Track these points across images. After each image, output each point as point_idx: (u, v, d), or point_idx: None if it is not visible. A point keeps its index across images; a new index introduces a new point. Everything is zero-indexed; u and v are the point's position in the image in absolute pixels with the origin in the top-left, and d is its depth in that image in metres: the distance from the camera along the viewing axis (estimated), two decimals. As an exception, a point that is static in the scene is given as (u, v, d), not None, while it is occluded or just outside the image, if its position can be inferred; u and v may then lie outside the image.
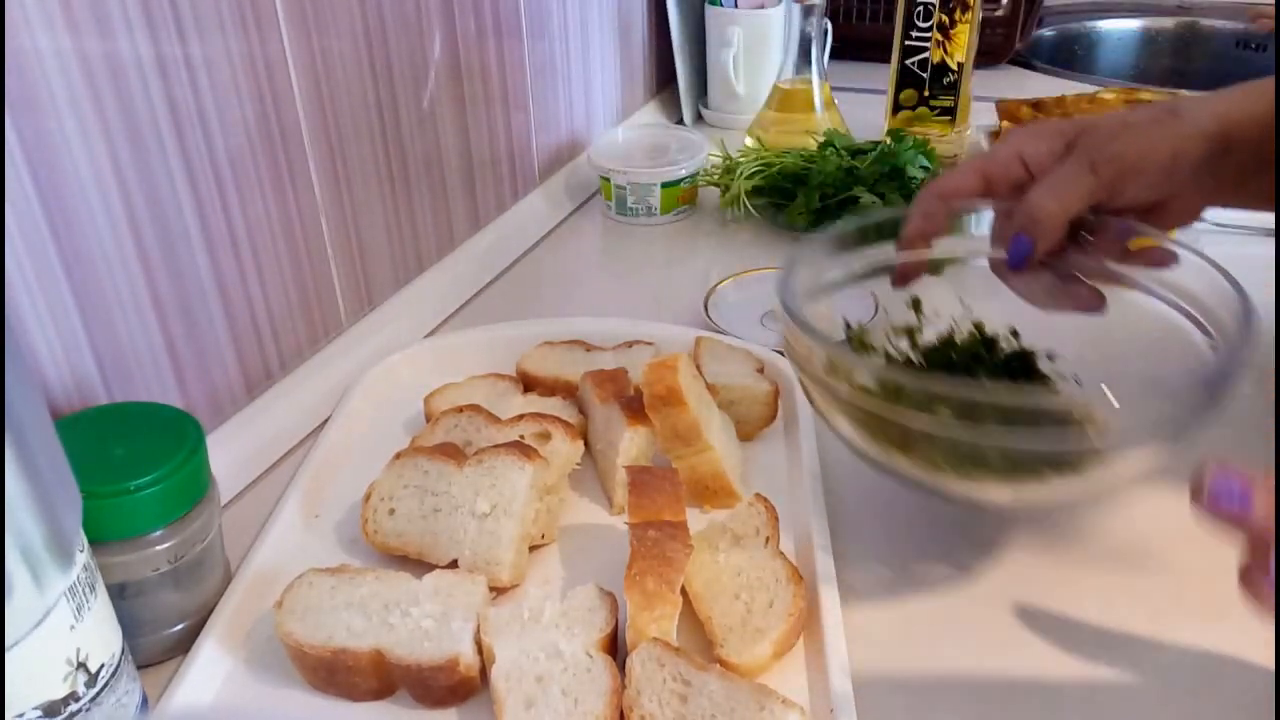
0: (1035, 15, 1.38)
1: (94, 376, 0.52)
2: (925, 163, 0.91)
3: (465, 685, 0.46)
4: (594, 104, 1.06)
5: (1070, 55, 1.54)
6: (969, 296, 0.58)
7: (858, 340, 0.57)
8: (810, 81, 1.02)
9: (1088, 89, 1.18)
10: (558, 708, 0.43)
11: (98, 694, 0.39)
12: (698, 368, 0.63)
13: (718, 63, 1.18)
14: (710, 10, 1.16)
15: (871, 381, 0.47)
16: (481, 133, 0.84)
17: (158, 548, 0.45)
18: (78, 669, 0.37)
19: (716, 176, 0.97)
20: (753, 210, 0.92)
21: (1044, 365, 0.57)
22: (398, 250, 0.75)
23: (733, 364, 0.66)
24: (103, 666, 0.39)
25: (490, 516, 0.52)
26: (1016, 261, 0.52)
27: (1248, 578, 0.36)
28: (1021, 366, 0.57)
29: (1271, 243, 0.87)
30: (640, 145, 1.00)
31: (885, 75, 1.05)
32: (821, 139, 0.95)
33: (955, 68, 1.01)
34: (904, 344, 0.59)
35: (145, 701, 0.44)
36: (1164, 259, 0.52)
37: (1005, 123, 1.07)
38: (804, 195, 0.89)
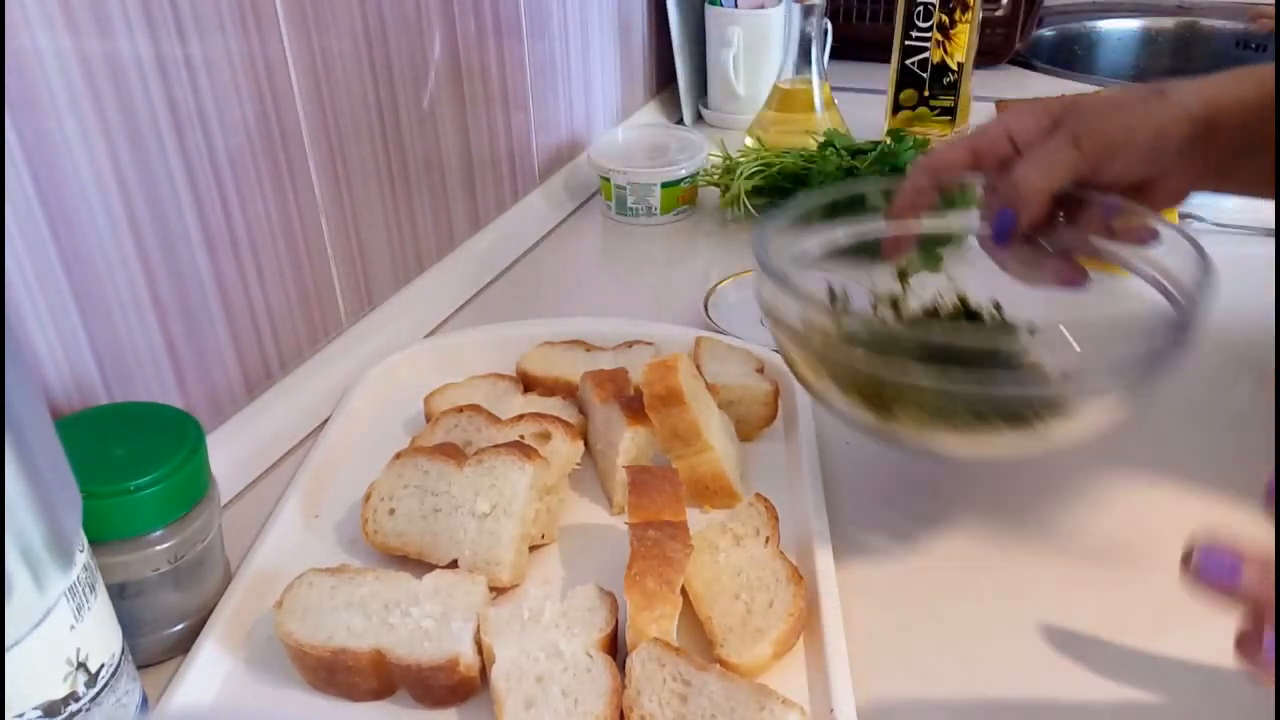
0: (1035, 15, 1.38)
1: (94, 376, 0.52)
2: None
3: (465, 685, 0.46)
4: (594, 104, 1.06)
5: (1070, 55, 1.54)
6: (956, 271, 0.59)
7: (841, 307, 0.58)
8: (810, 81, 1.02)
9: (1088, 89, 1.18)
10: (558, 708, 0.43)
11: (98, 694, 0.39)
12: (698, 368, 0.63)
13: (718, 63, 1.18)
14: (710, 10, 1.16)
15: (834, 326, 0.49)
16: (481, 133, 0.84)
17: (158, 548, 0.45)
18: (78, 669, 0.37)
19: (716, 176, 0.97)
20: (753, 210, 0.92)
21: (1024, 338, 0.57)
22: (398, 250, 0.75)
23: (733, 364, 0.66)
24: (103, 666, 0.39)
25: (490, 516, 0.52)
26: (1000, 234, 0.53)
27: (1244, 645, 0.36)
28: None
29: (1271, 243, 0.87)
30: (640, 145, 1.00)
31: (885, 75, 1.05)
32: (821, 139, 0.95)
33: (955, 68, 1.01)
34: (888, 313, 0.59)
35: (145, 701, 0.44)
36: (1146, 236, 0.53)
37: (1005, 123, 1.07)
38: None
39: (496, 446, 0.54)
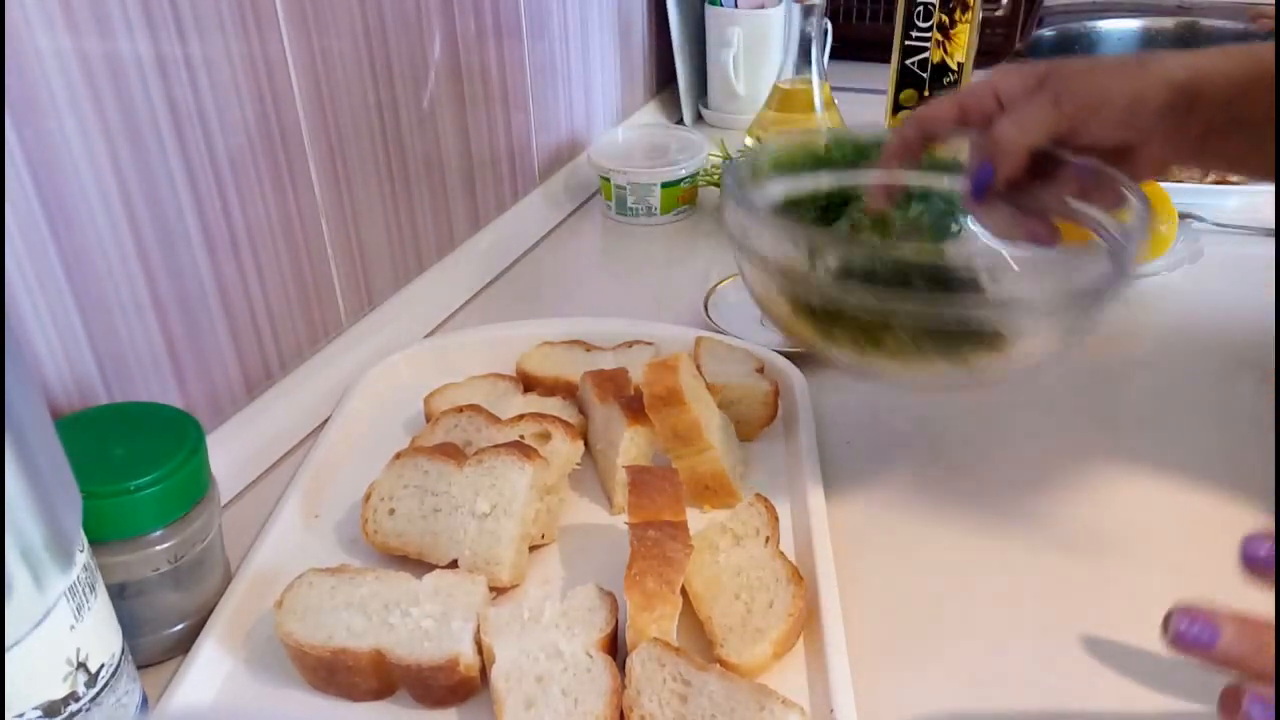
0: (1035, 15, 1.38)
1: (94, 376, 0.52)
2: (925, 163, 0.91)
3: (465, 685, 0.46)
4: (594, 104, 1.06)
5: (1070, 55, 1.54)
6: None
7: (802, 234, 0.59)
8: (810, 81, 1.01)
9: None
10: (558, 708, 0.43)
11: (98, 694, 0.39)
12: (698, 368, 0.63)
13: (718, 63, 1.18)
14: (710, 10, 1.16)
15: (788, 244, 0.51)
16: (481, 133, 0.84)
17: (158, 548, 0.46)
18: (78, 669, 0.37)
19: (716, 176, 0.97)
20: (753, 210, 0.92)
21: (965, 261, 0.59)
22: (398, 250, 0.75)
23: (733, 364, 0.66)
24: (103, 666, 0.39)
25: (490, 516, 0.52)
26: (978, 187, 0.54)
27: (1224, 705, 0.36)
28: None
29: (1271, 243, 0.87)
30: (640, 145, 1.00)
31: (885, 75, 1.05)
32: (827, 139, 0.95)
33: (955, 68, 1.01)
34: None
35: (145, 701, 0.44)
36: (1117, 200, 0.53)
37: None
38: (803, 195, 0.89)
39: (496, 446, 0.54)
